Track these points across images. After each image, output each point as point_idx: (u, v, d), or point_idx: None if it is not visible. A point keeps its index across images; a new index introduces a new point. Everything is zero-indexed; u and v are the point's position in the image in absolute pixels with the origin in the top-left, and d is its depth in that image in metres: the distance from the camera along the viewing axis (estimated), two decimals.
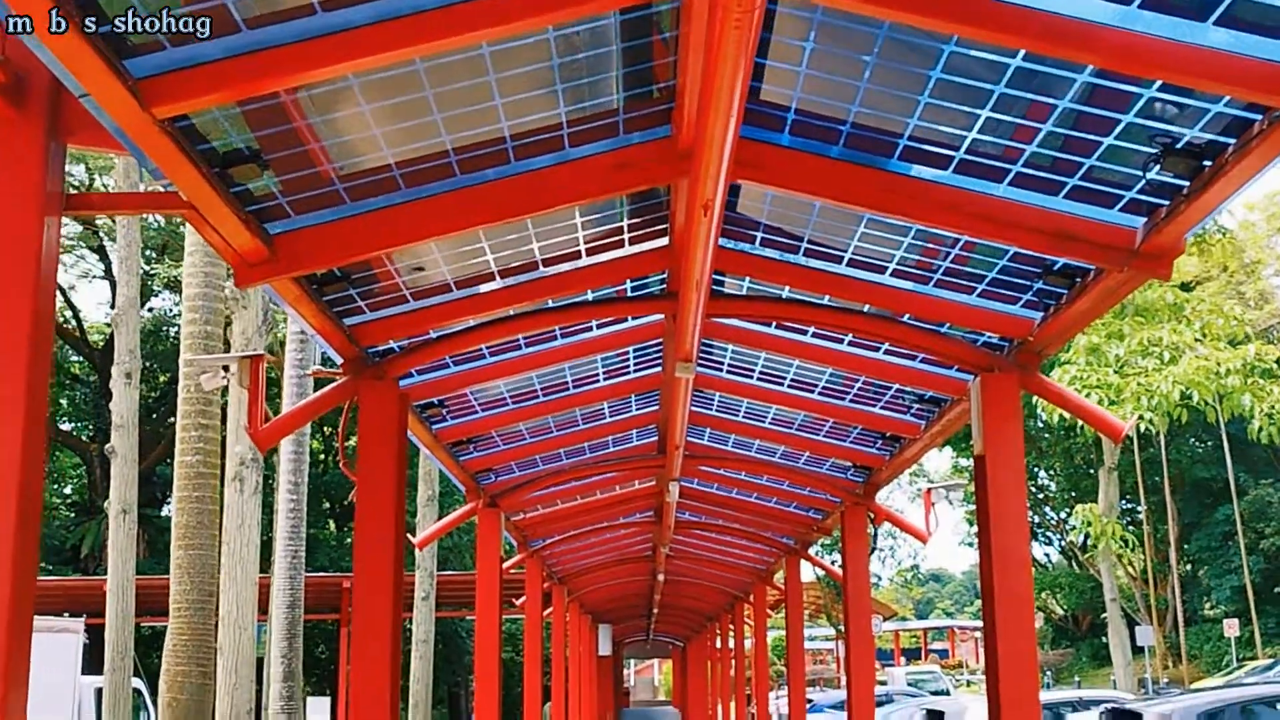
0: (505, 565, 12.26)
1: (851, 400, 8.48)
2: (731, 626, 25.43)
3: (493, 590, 10.13)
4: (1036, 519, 61.54)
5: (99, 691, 19.52)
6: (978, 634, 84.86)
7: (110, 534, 19.66)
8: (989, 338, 6.43)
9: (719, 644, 28.84)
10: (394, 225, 4.86)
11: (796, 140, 4.85)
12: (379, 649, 5.99)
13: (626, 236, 6.00)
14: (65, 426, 46.11)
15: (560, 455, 10.46)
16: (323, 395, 6.36)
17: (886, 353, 7.26)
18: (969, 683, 57.00)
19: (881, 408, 8.47)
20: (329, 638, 41.28)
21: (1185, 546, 50.85)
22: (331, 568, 38.21)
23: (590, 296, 6.60)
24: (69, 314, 44.58)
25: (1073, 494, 54.26)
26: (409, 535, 10.62)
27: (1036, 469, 53.74)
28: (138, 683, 20.60)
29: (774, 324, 7.24)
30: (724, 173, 3.98)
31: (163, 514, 43.08)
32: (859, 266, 6.06)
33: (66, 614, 21.49)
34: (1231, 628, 42.21)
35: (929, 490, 10.45)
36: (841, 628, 56.96)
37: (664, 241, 6.10)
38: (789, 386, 8.49)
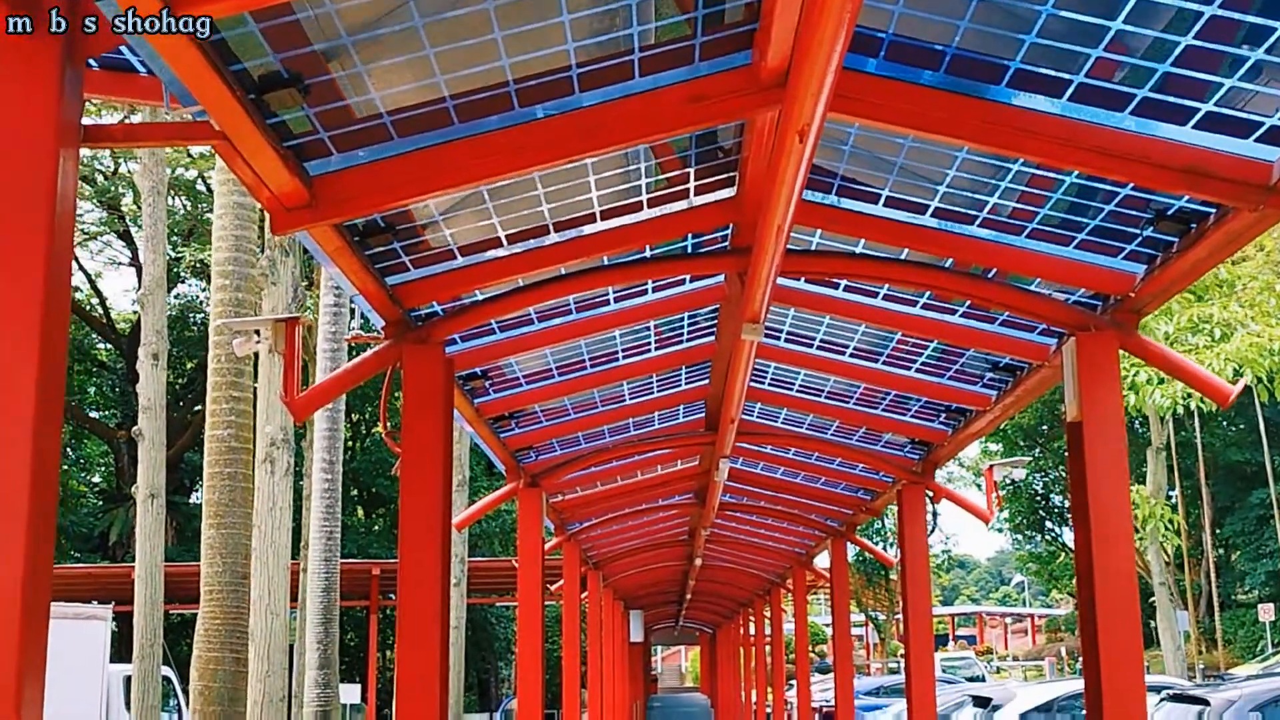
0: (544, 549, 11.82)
1: (918, 370, 7.99)
2: (767, 612, 24.98)
3: (535, 573, 9.68)
4: (1069, 503, 61.00)
5: (128, 680, 19.21)
6: (1007, 619, 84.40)
7: (138, 519, 19.29)
8: (1081, 296, 5.94)
9: (752, 630, 28.38)
10: (447, 165, 4.40)
11: (888, 66, 4.37)
12: (427, 627, 5.55)
13: (692, 185, 5.53)
14: (92, 415, 45.96)
15: (604, 432, 10.02)
16: (363, 360, 5.91)
17: (964, 315, 6.77)
18: (999, 670, 56.50)
19: (950, 378, 7.98)
20: (358, 625, 41.04)
21: (1218, 531, 50.27)
22: (359, 555, 37.88)
23: (649, 253, 6.13)
24: (95, 301, 44.38)
25: None
26: None
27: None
28: (167, 671, 20.28)
29: (841, 286, 6.77)
30: (828, 88, 3.50)
31: (190, 501, 42.88)
32: (945, 217, 5.57)
33: (95, 602, 21.17)
34: (1266, 613, 41.69)
35: (991, 468, 9.98)
36: (873, 614, 56.62)
37: (730, 193, 5.63)
38: (851, 355, 8.01)
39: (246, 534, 14.27)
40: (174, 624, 31.85)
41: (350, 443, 43.30)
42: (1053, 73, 4.21)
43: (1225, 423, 48.55)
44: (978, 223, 5.54)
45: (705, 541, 16.67)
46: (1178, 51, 3.93)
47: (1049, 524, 62.23)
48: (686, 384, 9.10)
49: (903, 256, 5.99)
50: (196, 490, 41.82)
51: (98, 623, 18.21)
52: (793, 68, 3.75)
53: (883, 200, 5.55)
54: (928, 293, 6.59)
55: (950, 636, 76.88)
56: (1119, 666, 5.40)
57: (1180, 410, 22.20)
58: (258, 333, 5.96)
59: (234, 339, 6.08)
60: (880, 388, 8.46)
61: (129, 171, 39.23)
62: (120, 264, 44.88)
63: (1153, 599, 29.95)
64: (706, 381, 9.07)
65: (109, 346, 44.91)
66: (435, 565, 5.58)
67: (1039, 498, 58.54)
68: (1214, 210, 4.73)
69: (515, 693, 9.84)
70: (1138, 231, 5.21)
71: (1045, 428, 51.66)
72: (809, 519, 14.16)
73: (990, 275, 5.95)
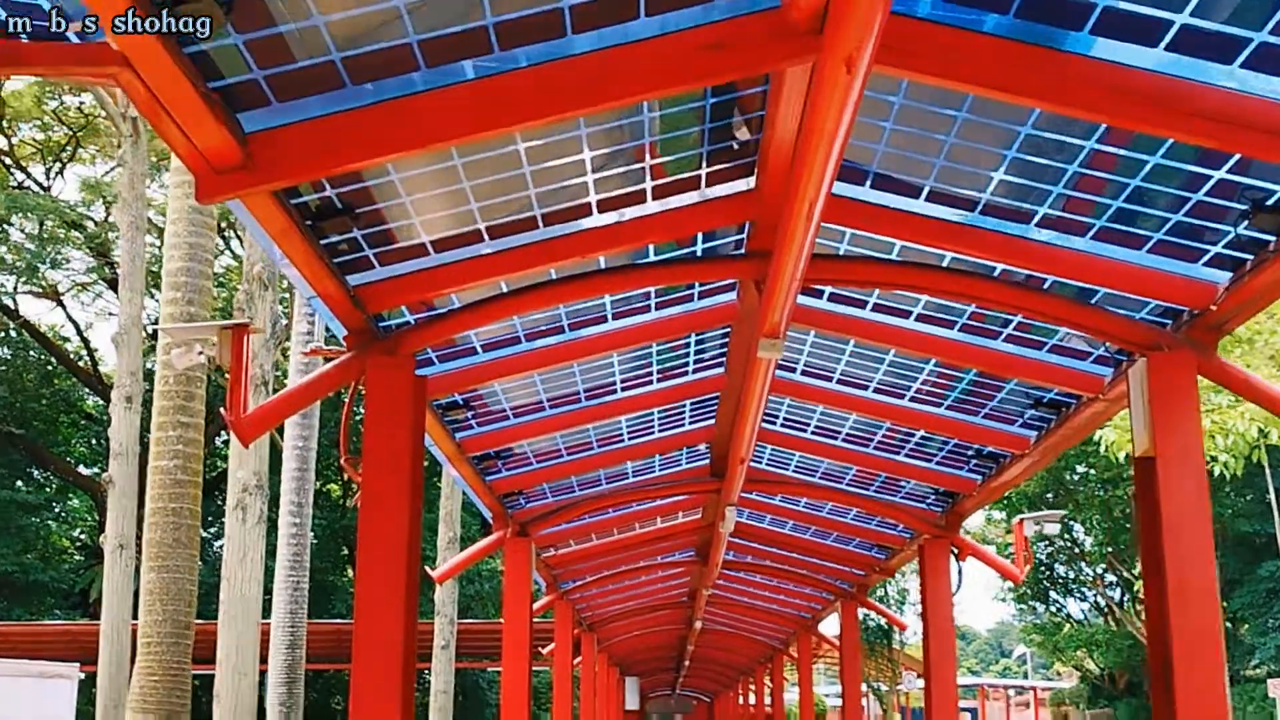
0: (533, 608, 10.96)
1: (949, 407, 7.20)
2: (769, 680, 24.01)
3: (522, 629, 8.81)
4: (1072, 574, 59.97)
5: None
6: (1010, 692, 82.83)
7: (106, 571, 18.32)
8: (1148, 313, 5.15)
9: (753, 699, 27.36)
10: (411, 120, 3.62)
11: (945, 8, 3.60)
12: (386, 683, 4.71)
13: (704, 172, 4.76)
14: (80, 469, 44.98)
15: (600, 478, 9.21)
16: (322, 375, 5.11)
17: (1007, 340, 5.98)
18: None
19: (984, 416, 7.18)
20: (346, 688, 39.82)
21: (1225, 604, 49.16)
22: (349, 615, 36.81)
23: (653, 256, 5.35)
24: (84, 352, 43.57)
25: (1110, 549, 52.74)
26: (427, 568, 9.36)
27: (1072, 521, 52.27)
28: None
29: (869, 305, 5.98)
30: (882, 13, 2.74)
31: None
32: (997, 214, 4.79)
33: (80, 663, 20.25)
34: (1276, 688, 40.64)
35: (1021, 521, 9.15)
36: (874, 684, 55.42)
37: (748, 183, 4.85)
38: (874, 391, 7.22)
39: (192, 579, 13.04)
40: None
41: (342, 500, 42.33)
42: (1148, 11, 3.44)
43: (1234, 493, 47.67)
44: (1035, 220, 4.77)
45: (706, 604, 15.80)
46: None
47: (1053, 594, 61.15)
48: (691, 423, 8.30)
49: (945, 263, 5.21)
50: None
51: (63, 682, 17.30)
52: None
53: (925, 194, 4.78)
54: (968, 312, 5.82)
55: None
56: None
57: (1217, 471, 21.33)
58: (202, 342, 5.17)
59: (174, 350, 5.28)
60: (905, 428, 7.67)
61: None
62: (112, 314, 44.05)
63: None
64: (712, 422, 8.28)
65: (98, 399, 44.01)
66: (397, 611, 4.75)
67: (1043, 567, 57.46)
68: None
69: None
70: (1227, 229, 4.43)
71: (1050, 495, 50.76)
72: (817, 580, 13.31)
73: (1046, 286, 5.17)
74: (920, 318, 5.97)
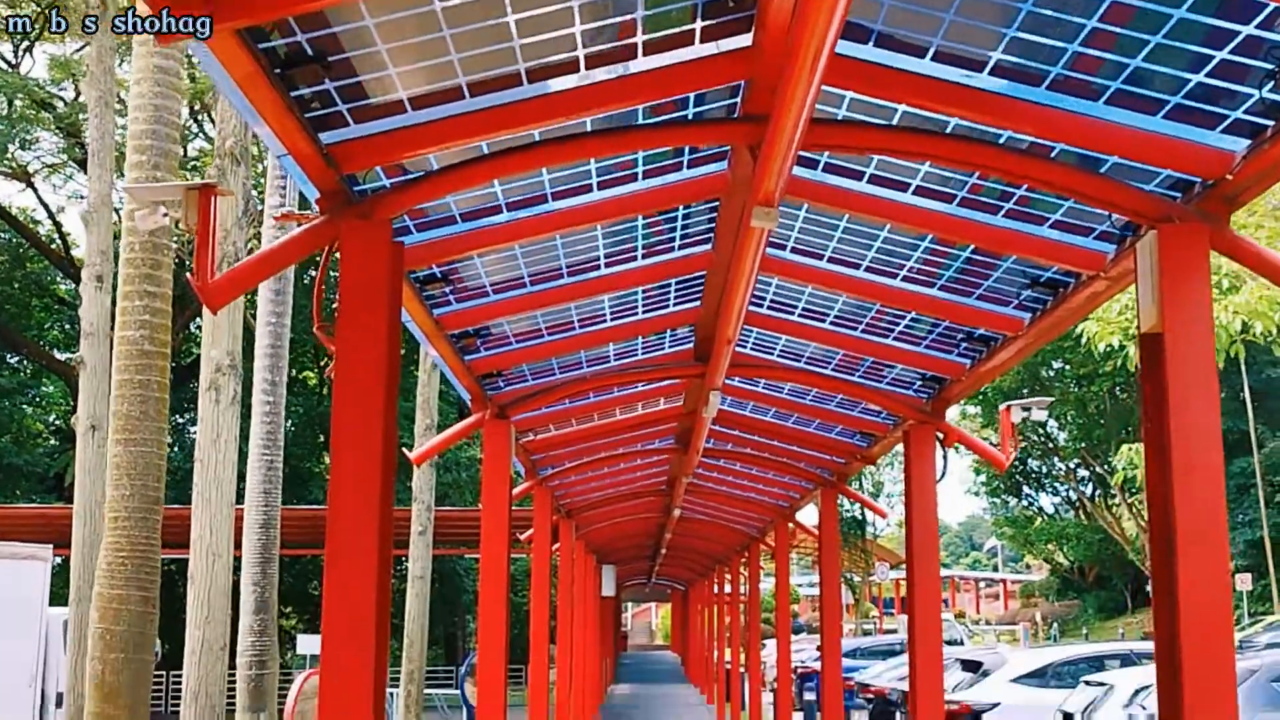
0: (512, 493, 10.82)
1: (942, 287, 6.99)
2: (744, 569, 24.12)
3: (500, 513, 8.67)
4: (1045, 468, 60.61)
5: (67, 624, 18.20)
6: (980, 584, 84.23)
7: (78, 453, 18.11)
8: (1157, 185, 4.93)
9: (729, 588, 27.55)
10: None
11: None
12: (362, 574, 4.56)
13: (698, 26, 4.48)
14: (52, 352, 44.64)
15: (581, 360, 9.01)
16: (292, 238, 4.85)
17: (1007, 215, 5.77)
18: (972, 634, 56.29)
19: (978, 297, 6.98)
20: (323, 573, 40.04)
21: None
22: (324, 503, 36.79)
23: (641, 120, 5.09)
24: (56, 235, 42.98)
25: (1084, 444, 53.22)
26: (404, 450, 9.18)
27: (1047, 416, 52.67)
28: None
29: (866, 177, 5.75)
30: None
31: None
32: (1008, 75, 4.54)
33: (53, 545, 20.13)
34: (1244, 582, 41.35)
35: (1008, 408, 9.00)
36: (846, 574, 56.12)
37: (745, 40, 4.58)
38: (866, 270, 7.00)
39: (160, 453, 12.71)
40: None
41: (318, 387, 42.22)
42: None
43: None
44: (1045, 83, 4.52)
45: (685, 492, 15.74)
46: None
47: (1025, 488, 61.84)
48: (675, 304, 8.09)
49: (949, 130, 4.97)
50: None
51: (37, 563, 17.20)
52: None
53: (931, 53, 4.51)
54: (967, 185, 5.59)
55: None
56: (1204, 634, 4.42)
57: None
58: (167, 203, 4.89)
59: (138, 212, 5.01)
60: (895, 309, 7.46)
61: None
62: (83, 197, 43.33)
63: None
64: (698, 303, 8.06)
65: (70, 284, 43.53)
66: (373, 489, 4.56)
67: (1016, 461, 58.02)
68: None
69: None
70: (1250, 92, 4.20)
71: (1026, 390, 51.04)
72: (798, 468, 13.21)
73: (1053, 155, 4.94)
74: (918, 190, 5.73)
